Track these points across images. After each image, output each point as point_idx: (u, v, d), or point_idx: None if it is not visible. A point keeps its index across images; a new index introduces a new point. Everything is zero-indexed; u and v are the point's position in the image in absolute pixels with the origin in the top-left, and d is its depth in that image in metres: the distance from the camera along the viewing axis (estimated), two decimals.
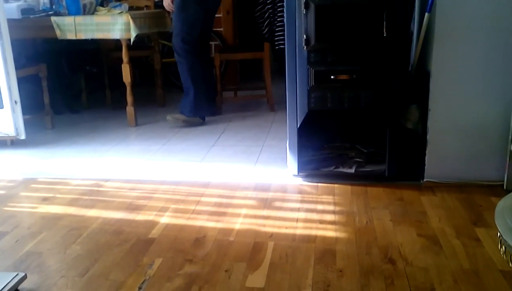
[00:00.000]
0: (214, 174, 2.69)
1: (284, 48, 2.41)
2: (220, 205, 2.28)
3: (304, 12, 2.27)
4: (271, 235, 1.96)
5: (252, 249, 1.85)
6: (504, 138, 2.27)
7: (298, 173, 2.52)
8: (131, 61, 3.69)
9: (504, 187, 2.30)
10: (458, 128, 2.31)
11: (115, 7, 3.79)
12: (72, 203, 2.35)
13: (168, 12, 3.74)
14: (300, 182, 2.51)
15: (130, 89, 3.70)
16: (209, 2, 3.59)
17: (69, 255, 1.85)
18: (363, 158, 2.59)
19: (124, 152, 3.12)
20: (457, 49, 2.23)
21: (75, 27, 3.53)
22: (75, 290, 1.62)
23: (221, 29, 5.06)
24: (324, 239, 1.91)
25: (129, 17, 3.44)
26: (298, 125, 2.45)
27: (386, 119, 2.36)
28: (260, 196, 2.36)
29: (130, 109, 3.73)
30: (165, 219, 2.14)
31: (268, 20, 3.68)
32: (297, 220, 2.08)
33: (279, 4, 3.87)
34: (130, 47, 3.65)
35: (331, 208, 2.19)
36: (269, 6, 3.83)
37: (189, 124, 3.68)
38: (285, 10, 2.34)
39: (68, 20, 3.54)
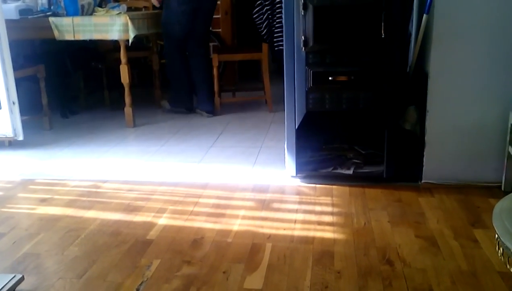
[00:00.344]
0: (213, 175, 2.68)
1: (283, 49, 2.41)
2: (218, 206, 2.28)
3: (302, 13, 2.27)
4: (269, 236, 1.96)
5: (250, 250, 1.85)
6: (502, 139, 2.27)
7: (296, 174, 2.52)
8: (129, 62, 3.69)
9: (502, 188, 2.30)
10: (456, 130, 2.31)
11: (113, 8, 3.79)
12: (70, 204, 2.35)
13: None
14: (298, 183, 2.51)
15: (128, 90, 3.70)
16: (193, 1, 3.68)
17: (67, 257, 1.85)
18: (361, 159, 2.59)
19: (122, 153, 3.12)
20: (455, 50, 2.23)
21: (73, 28, 3.52)
22: None
23: (220, 30, 5.06)
24: (322, 240, 1.91)
25: (127, 18, 3.44)
26: (297, 127, 2.45)
27: (384, 120, 2.36)
28: (258, 197, 2.36)
29: (128, 110, 3.73)
30: (163, 220, 2.13)
31: (266, 21, 3.67)
32: (295, 221, 2.08)
33: (277, 5, 3.86)
34: (128, 48, 3.64)
35: (329, 209, 2.19)
36: (267, 7, 3.82)
37: (174, 111, 4.08)
38: (283, 11, 2.34)
39: (66, 21, 3.53)
